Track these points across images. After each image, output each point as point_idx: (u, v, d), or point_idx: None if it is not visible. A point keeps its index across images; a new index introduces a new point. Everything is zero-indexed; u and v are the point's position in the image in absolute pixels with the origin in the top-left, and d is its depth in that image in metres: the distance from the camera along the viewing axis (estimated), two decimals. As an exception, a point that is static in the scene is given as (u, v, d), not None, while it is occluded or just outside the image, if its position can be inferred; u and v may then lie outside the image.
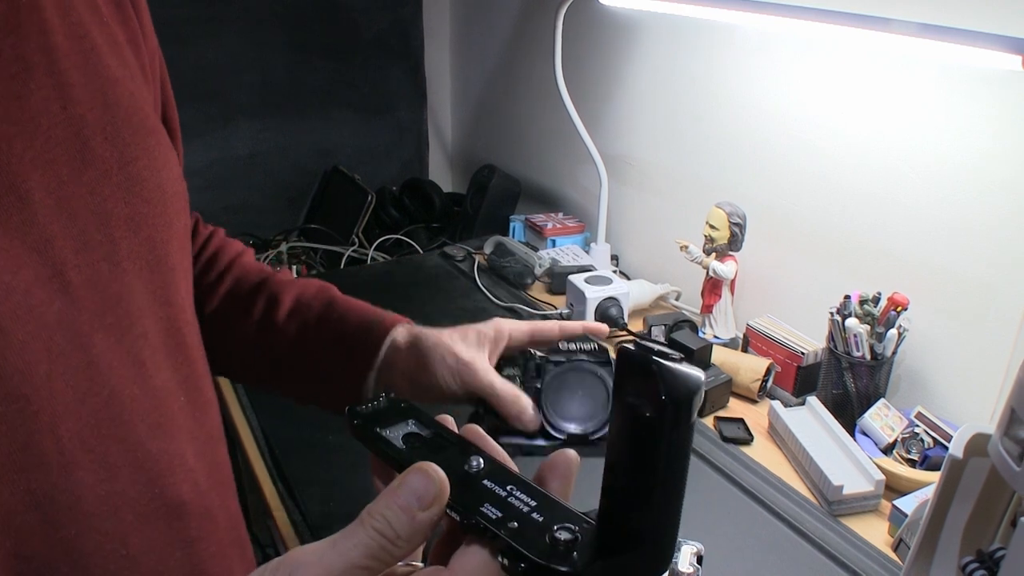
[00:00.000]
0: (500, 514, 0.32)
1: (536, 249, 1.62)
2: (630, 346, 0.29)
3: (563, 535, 0.30)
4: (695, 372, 0.28)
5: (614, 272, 1.47)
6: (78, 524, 0.43)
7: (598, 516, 0.31)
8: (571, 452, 0.37)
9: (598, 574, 0.29)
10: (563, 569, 0.29)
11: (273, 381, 0.71)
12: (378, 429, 0.39)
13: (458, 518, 0.32)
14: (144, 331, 0.47)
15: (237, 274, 0.73)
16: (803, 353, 1.15)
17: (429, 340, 0.63)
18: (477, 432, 0.39)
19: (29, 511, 0.40)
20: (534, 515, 0.32)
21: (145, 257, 0.48)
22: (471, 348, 0.62)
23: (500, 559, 0.31)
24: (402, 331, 0.65)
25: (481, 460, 0.35)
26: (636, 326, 1.34)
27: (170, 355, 0.50)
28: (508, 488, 0.33)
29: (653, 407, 0.28)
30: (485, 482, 0.34)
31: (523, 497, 0.33)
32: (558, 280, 1.48)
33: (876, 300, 1.06)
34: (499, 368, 0.62)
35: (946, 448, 0.95)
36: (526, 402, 0.58)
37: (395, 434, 0.39)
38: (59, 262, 0.42)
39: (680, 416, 0.28)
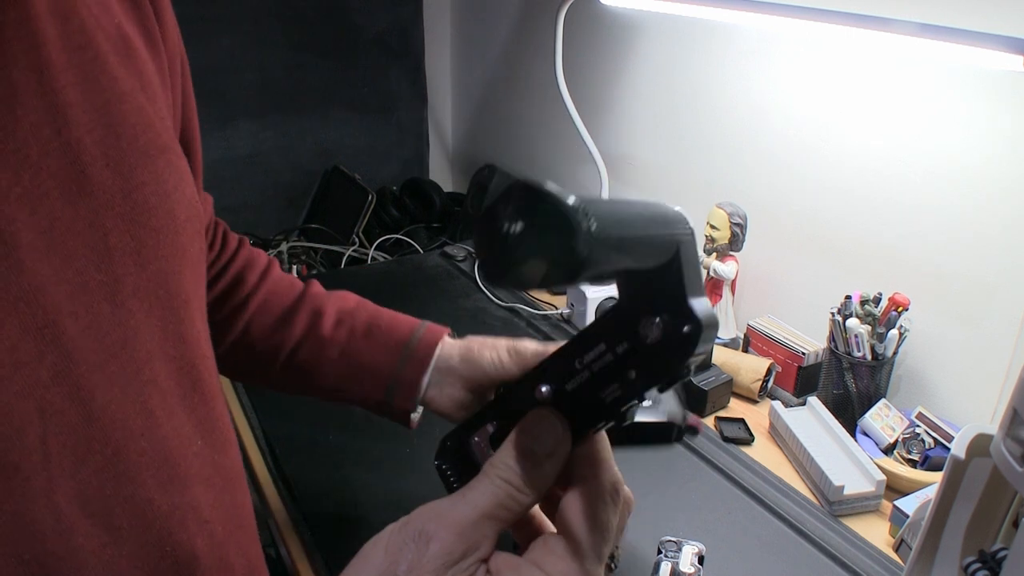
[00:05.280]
0: (618, 394, 0.34)
1: (536, 249, 1.62)
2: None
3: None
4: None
5: (614, 272, 1.47)
6: None
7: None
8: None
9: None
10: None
11: (314, 390, 0.74)
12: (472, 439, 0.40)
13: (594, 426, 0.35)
14: (153, 376, 0.44)
15: (269, 288, 0.74)
16: (804, 353, 1.15)
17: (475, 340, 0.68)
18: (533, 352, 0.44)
19: None
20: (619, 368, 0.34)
21: (155, 293, 0.44)
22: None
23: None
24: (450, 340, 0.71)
25: (547, 386, 0.36)
26: (636, 326, 1.34)
27: (183, 398, 0.46)
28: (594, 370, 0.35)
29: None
30: (570, 387, 0.36)
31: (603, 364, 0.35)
32: (558, 280, 1.47)
33: (877, 300, 1.06)
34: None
35: (947, 448, 0.95)
36: None
37: (483, 438, 0.39)
38: (52, 310, 0.38)
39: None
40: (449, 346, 0.69)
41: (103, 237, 0.40)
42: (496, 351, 0.64)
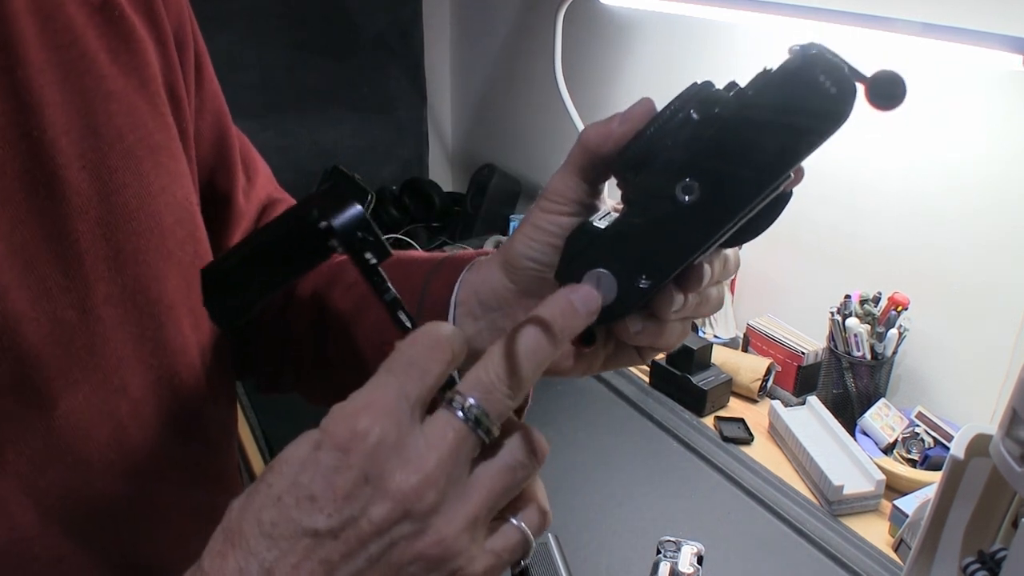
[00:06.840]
0: None
1: (536, 249, 1.61)
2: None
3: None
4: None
5: (614, 272, 1.46)
6: None
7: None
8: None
9: None
10: None
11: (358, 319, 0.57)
12: None
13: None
14: (123, 384, 0.42)
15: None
16: (803, 353, 1.15)
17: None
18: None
19: None
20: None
21: (132, 299, 0.42)
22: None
23: None
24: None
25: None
26: (636, 326, 1.34)
27: (160, 406, 0.45)
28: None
29: None
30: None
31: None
32: (558, 280, 1.47)
33: (876, 300, 1.06)
34: None
35: (946, 448, 0.95)
36: None
37: None
38: (12, 316, 0.37)
39: None
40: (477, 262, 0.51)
41: (73, 243, 0.39)
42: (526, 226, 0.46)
